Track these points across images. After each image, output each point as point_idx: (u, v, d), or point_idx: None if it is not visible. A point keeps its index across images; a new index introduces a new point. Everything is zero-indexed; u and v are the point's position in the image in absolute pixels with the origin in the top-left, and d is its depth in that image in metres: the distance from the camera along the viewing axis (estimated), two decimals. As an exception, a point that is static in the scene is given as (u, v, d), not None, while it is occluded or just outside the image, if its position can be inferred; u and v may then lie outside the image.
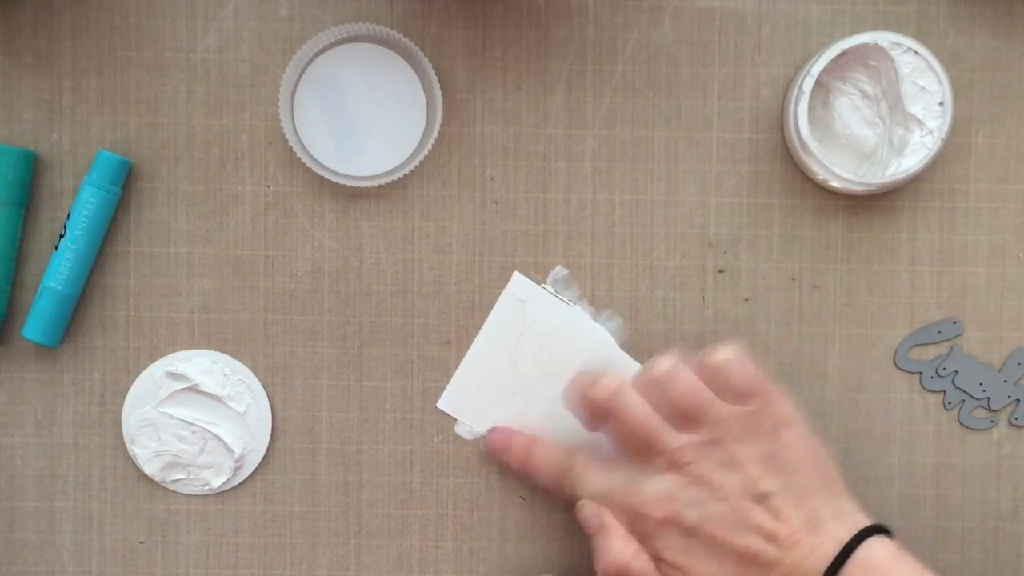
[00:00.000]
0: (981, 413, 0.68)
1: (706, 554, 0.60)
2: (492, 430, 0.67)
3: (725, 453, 0.60)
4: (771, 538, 0.59)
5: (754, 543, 0.59)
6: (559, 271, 0.67)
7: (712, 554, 0.60)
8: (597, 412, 0.63)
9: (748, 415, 0.60)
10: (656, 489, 0.60)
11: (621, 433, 0.62)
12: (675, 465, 0.60)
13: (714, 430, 0.60)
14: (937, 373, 0.68)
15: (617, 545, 0.61)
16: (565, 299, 0.67)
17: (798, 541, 0.59)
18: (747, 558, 0.59)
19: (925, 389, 0.68)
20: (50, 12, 0.67)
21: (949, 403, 0.68)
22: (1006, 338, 0.68)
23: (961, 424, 0.68)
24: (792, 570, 0.58)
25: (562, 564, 0.68)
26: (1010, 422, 0.68)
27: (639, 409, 0.61)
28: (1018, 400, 0.68)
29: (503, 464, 0.67)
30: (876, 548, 0.58)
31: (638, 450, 0.61)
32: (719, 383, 0.60)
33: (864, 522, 0.59)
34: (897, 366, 0.68)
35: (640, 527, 0.61)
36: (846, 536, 0.58)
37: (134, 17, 0.67)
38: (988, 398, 0.68)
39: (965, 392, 0.68)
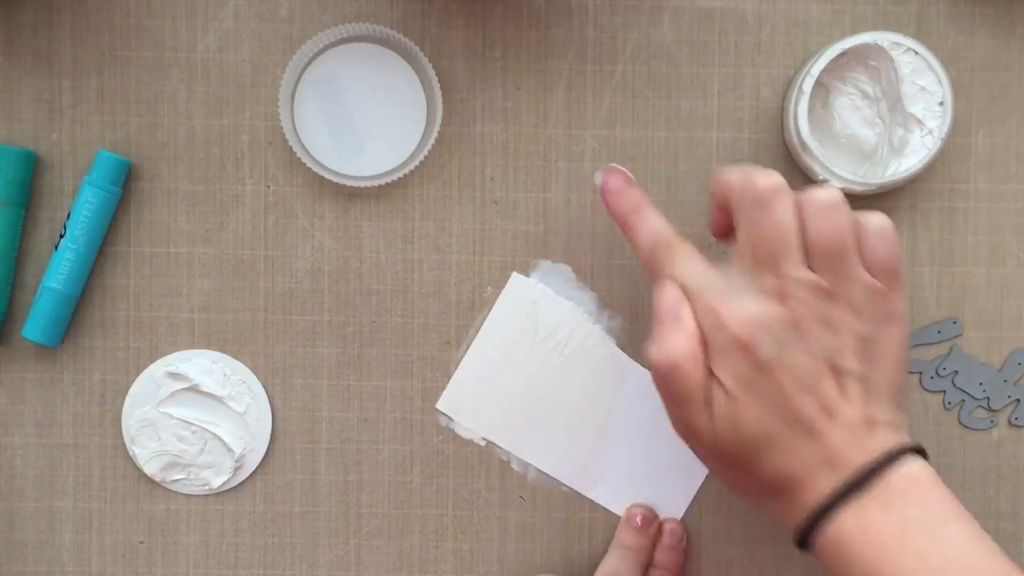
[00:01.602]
0: (981, 413, 0.68)
1: (763, 395, 0.56)
2: (610, 170, 0.62)
3: (833, 311, 0.56)
4: (829, 412, 0.56)
5: (811, 408, 0.56)
6: (547, 265, 0.67)
7: (768, 399, 0.56)
8: (744, 200, 0.57)
9: (874, 290, 0.56)
10: (751, 308, 0.56)
11: (754, 234, 0.57)
12: (782, 295, 0.56)
13: (838, 284, 0.56)
14: (937, 373, 0.68)
15: (682, 341, 0.56)
16: (565, 295, 0.67)
17: (851, 429, 0.56)
18: (798, 419, 0.56)
19: (925, 389, 0.68)
20: (50, 12, 0.67)
21: (949, 403, 0.68)
22: (1006, 338, 0.68)
23: (961, 424, 0.68)
24: (832, 452, 0.56)
25: (562, 564, 0.68)
26: (1010, 422, 0.68)
27: (788, 218, 0.56)
28: (1018, 400, 0.68)
29: (607, 206, 0.62)
30: (918, 466, 0.56)
31: (758, 259, 0.57)
32: (864, 246, 0.57)
33: (913, 442, 0.57)
34: (897, 366, 0.68)
35: (714, 339, 0.57)
36: (895, 445, 0.56)
37: (134, 17, 0.67)
38: (988, 398, 0.68)
39: (965, 392, 0.68)
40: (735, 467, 0.58)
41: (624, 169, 0.62)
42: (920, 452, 0.57)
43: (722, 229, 0.60)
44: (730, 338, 0.56)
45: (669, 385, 0.57)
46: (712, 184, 0.59)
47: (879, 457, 0.55)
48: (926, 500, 0.55)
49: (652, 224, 0.60)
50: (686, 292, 0.57)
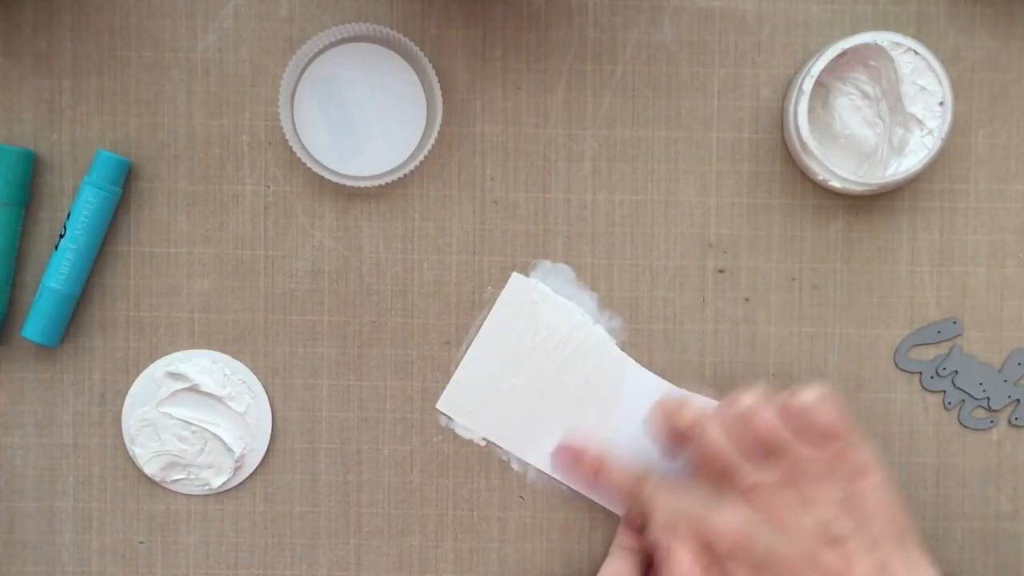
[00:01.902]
0: (981, 413, 0.68)
1: None
2: (560, 448, 0.67)
3: (799, 494, 0.60)
4: None
5: None
6: (547, 265, 0.67)
7: None
8: (678, 438, 0.63)
9: (827, 459, 0.60)
10: (729, 518, 0.60)
11: (699, 461, 0.62)
12: (751, 499, 0.60)
13: (790, 471, 0.60)
14: (937, 373, 0.68)
15: (685, 567, 0.61)
16: (565, 295, 0.67)
17: None
18: None
19: (925, 389, 0.68)
20: (50, 12, 0.67)
21: (949, 403, 0.68)
22: (1006, 338, 0.68)
23: (961, 424, 0.68)
24: None
25: (562, 564, 0.68)
26: (1010, 422, 0.68)
27: (719, 439, 0.61)
28: (1018, 400, 0.68)
29: (570, 480, 0.67)
30: None
31: (714, 479, 0.62)
32: (802, 424, 0.60)
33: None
34: (897, 366, 0.68)
35: (708, 555, 0.61)
36: None
37: (134, 17, 0.67)
38: (988, 398, 0.68)
39: (965, 392, 0.68)
40: None
41: (573, 442, 0.67)
42: None
43: (672, 453, 0.64)
44: (724, 550, 0.60)
45: None
46: (648, 428, 0.65)
47: None
48: None
49: (617, 478, 0.65)
50: (671, 523, 0.62)
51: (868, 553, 0.59)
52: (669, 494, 0.63)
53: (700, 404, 0.63)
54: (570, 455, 0.67)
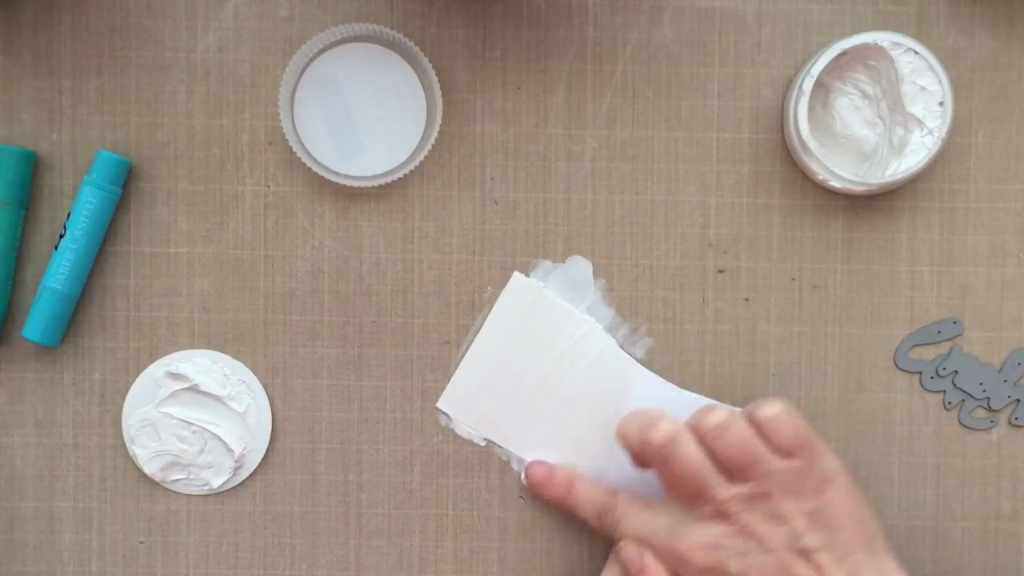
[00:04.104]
0: (981, 413, 0.68)
1: None
2: (532, 464, 0.67)
3: (772, 506, 0.60)
4: None
5: None
6: (547, 265, 0.67)
7: None
8: (649, 454, 0.63)
9: (795, 471, 0.60)
10: (701, 537, 0.61)
11: (671, 477, 0.62)
12: (722, 515, 0.61)
13: (763, 483, 0.60)
14: (937, 373, 0.68)
15: None
16: (566, 290, 0.67)
17: None
18: None
19: (925, 389, 0.68)
20: (50, 12, 0.67)
21: (949, 403, 0.68)
22: (1006, 338, 0.68)
23: (961, 424, 0.68)
24: None
25: (562, 564, 0.68)
26: (1010, 422, 0.68)
27: (693, 457, 0.61)
28: (1018, 400, 0.68)
29: (541, 497, 0.67)
30: None
31: (686, 496, 0.62)
32: (766, 438, 0.61)
33: None
34: (897, 366, 0.68)
35: (682, 573, 0.61)
36: None
37: (134, 17, 0.67)
38: (988, 398, 0.68)
39: (965, 392, 0.68)
40: None
41: (543, 461, 0.67)
42: None
43: (642, 465, 0.64)
44: (696, 568, 0.61)
45: None
46: (617, 440, 0.64)
47: None
48: None
49: (587, 496, 0.66)
50: (641, 543, 0.63)
51: (839, 564, 0.59)
52: (641, 511, 0.64)
53: (673, 420, 0.62)
54: (542, 471, 0.67)
